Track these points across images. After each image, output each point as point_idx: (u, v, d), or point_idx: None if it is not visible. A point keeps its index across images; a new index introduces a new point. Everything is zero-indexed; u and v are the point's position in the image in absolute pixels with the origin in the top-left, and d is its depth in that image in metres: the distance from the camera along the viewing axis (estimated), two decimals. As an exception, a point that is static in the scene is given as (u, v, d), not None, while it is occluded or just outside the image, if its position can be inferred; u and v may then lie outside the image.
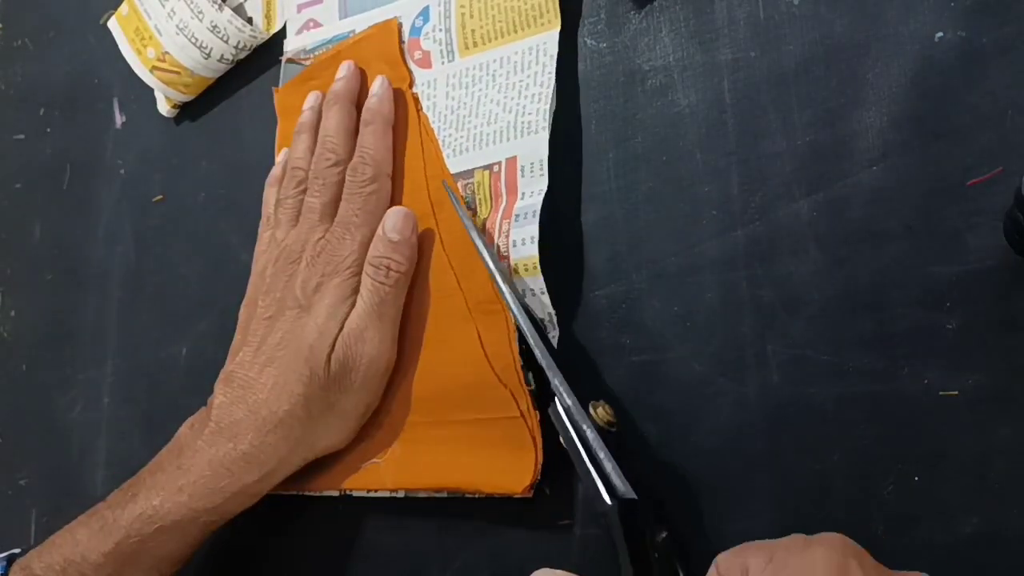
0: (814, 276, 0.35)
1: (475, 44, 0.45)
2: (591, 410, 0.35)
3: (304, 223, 0.45)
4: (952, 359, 0.32)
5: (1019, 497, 0.31)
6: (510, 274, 0.40)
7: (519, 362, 0.38)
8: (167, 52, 0.54)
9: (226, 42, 0.53)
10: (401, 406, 0.42)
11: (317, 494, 0.44)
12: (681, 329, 0.38)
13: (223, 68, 0.55)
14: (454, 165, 0.44)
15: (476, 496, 0.39)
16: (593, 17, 0.43)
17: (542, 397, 0.38)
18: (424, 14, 0.47)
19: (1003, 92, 0.33)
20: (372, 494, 0.42)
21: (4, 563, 0.44)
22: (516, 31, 0.43)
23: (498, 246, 0.41)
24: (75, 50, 0.66)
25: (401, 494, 0.42)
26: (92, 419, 0.57)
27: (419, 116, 0.46)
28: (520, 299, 0.39)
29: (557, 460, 0.37)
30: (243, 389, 0.42)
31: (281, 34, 0.54)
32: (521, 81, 0.43)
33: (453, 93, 0.45)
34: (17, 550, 0.45)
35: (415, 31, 0.47)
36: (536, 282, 0.39)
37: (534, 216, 0.40)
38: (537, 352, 0.37)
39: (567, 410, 0.35)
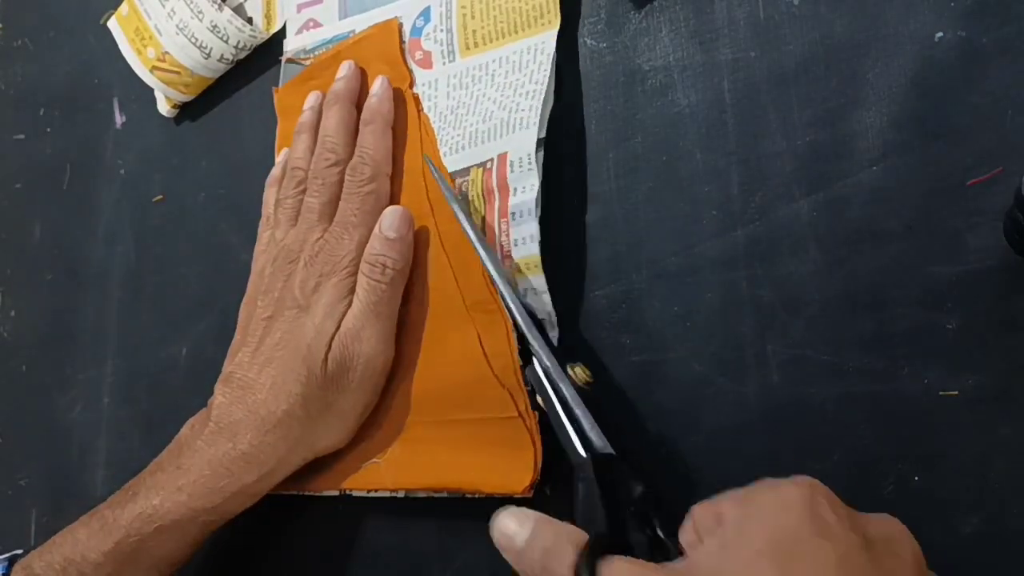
0: (814, 276, 0.35)
1: (476, 44, 0.45)
2: (569, 370, 0.36)
3: (303, 223, 0.45)
4: (952, 359, 0.32)
5: (1019, 497, 0.31)
6: (512, 273, 0.40)
7: (518, 362, 0.38)
8: (167, 52, 0.54)
9: (226, 42, 0.53)
10: (400, 406, 0.42)
11: (317, 494, 0.44)
12: (681, 329, 0.38)
13: (223, 68, 0.55)
14: (451, 163, 0.44)
15: (476, 496, 0.39)
16: (593, 17, 0.43)
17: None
18: (425, 14, 0.47)
19: (1003, 92, 0.33)
20: (372, 494, 0.42)
21: (6, 564, 0.44)
22: (517, 31, 0.43)
23: (501, 245, 0.41)
24: (75, 50, 0.66)
25: (401, 494, 0.42)
26: (92, 419, 0.57)
27: (420, 116, 0.46)
28: (521, 298, 0.39)
29: (557, 460, 0.37)
30: (242, 389, 0.42)
31: (281, 34, 0.54)
32: (518, 80, 0.43)
33: (454, 93, 0.45)
34: (19, 551, 0.45)
35: (416, 31, 0.47)
36: (539, 281, 0.39)
37: (531, 214, 0.40)
38: (518, 317, 0.38)
39: (545, 371, 0.36)
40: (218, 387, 0.43)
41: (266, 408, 0.41)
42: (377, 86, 0.47)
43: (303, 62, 0.52)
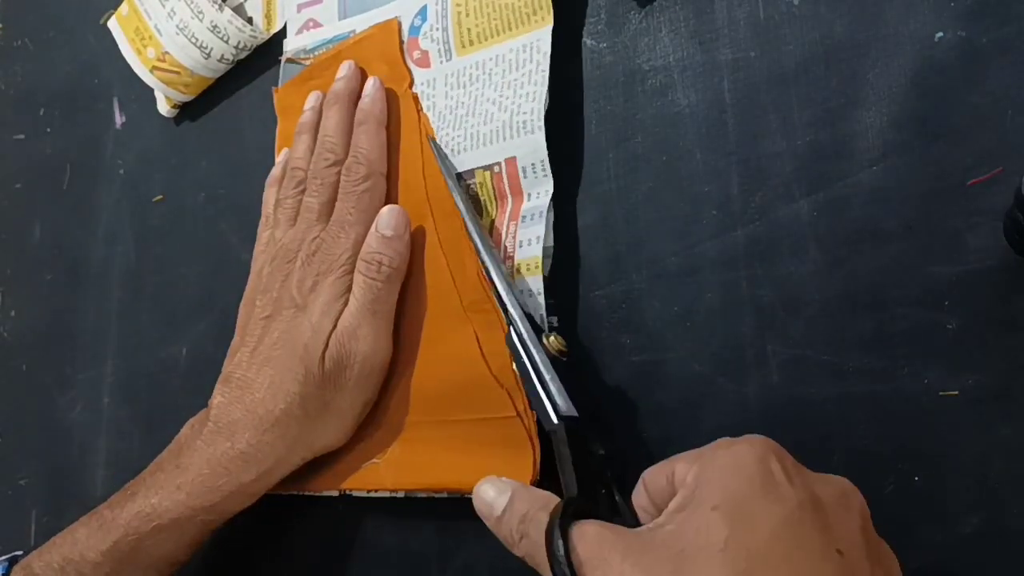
0: (814, 276, 0.35)
1: (471, 42, 0.45)
2: (544, 339, 0.37)
3: (302, 222, 0.45)
4: (952, 359, 0.32)
5: (1019, 497, 0.31)
6: (511, 274, 0.40)
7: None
8: (167, 52, 0.54)
9: (226, 42, 0.53)
10: (399, 405, 0.42)
11: (317, 494, 0.44)
12: (681, 329, 0.38)
13: (223, 68, 0.55)
14: (454, 165, 0.44)
15: (476, 496, 0.39)
16: (593, 17, 0.43)
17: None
18: (422, 13, 0.47)
19: (1003, 92, 0.33)
20: (372, 494, 0.42)
21: (6, 564, 0.44)
22: (511, 28, 0.43)
23: (505, 247, 0.41)
24: (75, 50, 0.66)
25: (401, 494, 0.42)
26: (92, 419, 0.57)
27: (419, 116, 0.46)
28: (518, 299, 0.39)
29: (556, 460, 0.37)
30: (240, 389, 0.42)
31: (281, 34, 0.54)
32: (516, 80, 0.43)
33: (452, 93, 0.45)
34: (20, 552, 0.45)
35: (414, 30, 0.47)
36: (535, 282, 0.39)
37: (540, 217, 0.40)
38: (499, 284, 0.38)
39: (520, 337, 0.37)
40: (217, 387, 0.43)
41: (264, 407, 0.41)
42: (369, 86, 0.47)
43: (303, 62, 0.52)
